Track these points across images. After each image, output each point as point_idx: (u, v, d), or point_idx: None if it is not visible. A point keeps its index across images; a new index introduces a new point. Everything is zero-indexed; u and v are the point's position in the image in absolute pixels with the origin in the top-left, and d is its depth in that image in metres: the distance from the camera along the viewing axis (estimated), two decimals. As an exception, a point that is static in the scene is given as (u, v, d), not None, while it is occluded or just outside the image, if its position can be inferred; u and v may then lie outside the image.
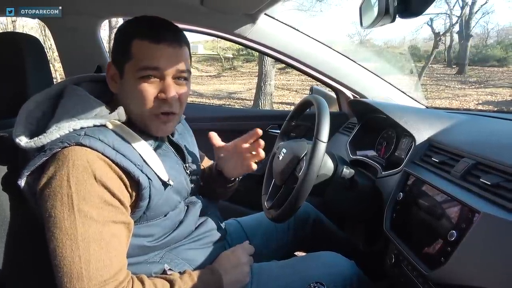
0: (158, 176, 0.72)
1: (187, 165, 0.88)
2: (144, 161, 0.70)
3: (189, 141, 0.94)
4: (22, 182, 0.66)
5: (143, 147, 0.71)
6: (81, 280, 0.59)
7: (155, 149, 0.77)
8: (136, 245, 0.74)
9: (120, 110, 0.72)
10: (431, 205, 0.79)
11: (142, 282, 0.68)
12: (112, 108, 0.74)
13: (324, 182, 0.97)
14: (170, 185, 0.74)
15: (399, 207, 0.90)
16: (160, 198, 0.73)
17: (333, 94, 1.67)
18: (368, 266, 0.99)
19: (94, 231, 0.61)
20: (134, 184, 0.68)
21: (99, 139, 0.65)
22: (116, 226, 0.65)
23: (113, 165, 0.65)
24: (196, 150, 0.97)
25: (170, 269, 0.78)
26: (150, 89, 0.71)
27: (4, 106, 0.78)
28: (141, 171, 0.68)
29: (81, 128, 0.66)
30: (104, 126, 0.69)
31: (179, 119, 0.83)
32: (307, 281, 0.84)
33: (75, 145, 0.63)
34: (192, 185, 0.89)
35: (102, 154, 0.64)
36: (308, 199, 0.87)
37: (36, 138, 0.65)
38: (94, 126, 0.67)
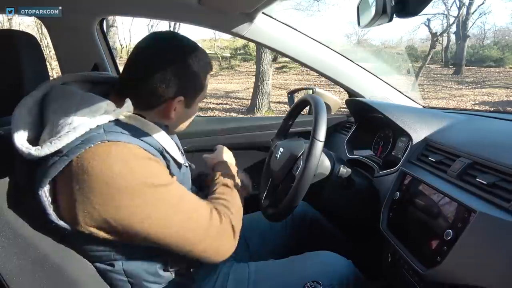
0: (175, 160, 0.75)
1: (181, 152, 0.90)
2: (163, 147, 0.72)
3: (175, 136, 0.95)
4: (43, 192, 0.62)
5: (160, 134, 0.72)
6: (216, 229, 0.73)
7: None
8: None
9: (128, 102, 0.71)
10: (427, 204, 0.79)
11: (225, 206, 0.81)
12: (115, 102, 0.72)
13: (321, 181, 0.97)
14: (186, 166, 0.80)
15: (396, 206, 0.90)
16: (178, 180, 0.75)
17: (333, 96, 1.65)
18: (364, 265, 0.99)
19: (176, 191, 0.70)
20: None
21: (121, 132, 0.65)
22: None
23: (144, 150, 0.66)
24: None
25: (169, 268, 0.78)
26: None
27: (0, 105, 0.77)
28: (163, 156, 0.71)
29: (97, 126, 0.64)
30: (117, 120, 0.68)
31: None
32: (304, 280, 0.85)
33: (100, 143, 0.62)
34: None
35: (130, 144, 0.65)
36: (305, 198, 0.87)
37: (49, 143, 0.61)
38: (109, 122, 0.66)
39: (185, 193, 0.72)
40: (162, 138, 0.72)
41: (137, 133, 0.68)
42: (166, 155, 0.72)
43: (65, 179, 0.61)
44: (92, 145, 0.61)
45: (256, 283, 0.87)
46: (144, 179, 0.63)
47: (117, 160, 0.62)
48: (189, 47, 0.76)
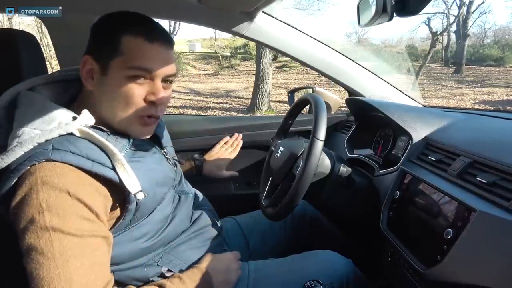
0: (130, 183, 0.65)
1: (164, 150, 0.87)
2: (117, 172, 0.63)
3: (161, 127, 0.91)
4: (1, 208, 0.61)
5: (115, 155, 0.64)
6: None
7: (132, 146, 0.73)
8: (133, 250, 0.72)
9: (85, 114, 0.66)
10: (427, 203, 0.79)
11: None
12: (78, 109, 0.68)
13: (321, 180, 0.97)
14: (137, 199, 0.66)
15: (396, 205, 0.90)
16: (146, 198, 0.69)
17: (334, 95, 1.65)
18: (364, 264, 0.99)
19: (73, 246, 0.56)
20: (118, 190, 0.65)
21: (70, 151, 0.60)
22: (97, 240, 0.60)
23: (89, 176, 0.61)
24: (168, 136, 0.94)
25: (169, 270, 0.77)
26: (138, 90, 0.69)
27: None
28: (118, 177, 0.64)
29: (46, 140, 0.60)
30: (71, 134, 0.63)
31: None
32: (304, 279, 0.85)
33: (44, 161, 0.58)
34: (176, 169, 0.89)
35: (77, 166, 0.59)
36: (305, 197, 0.87)
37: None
38: (60, 136, 0.62)
39: (83, 253, 0.57)
40: (117, 160, 0.64)
41: (91, 152, 0.62)
42: (120, 176, 0.64)
43: (15, 195, 0.58)
44: (36, 163, 0.58)
45: (256, 282, 0.87)
46: (48, 212, 0.56)
47: (39, 182, 0.57)
48: (113, 14, 0.72)
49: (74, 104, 0.73)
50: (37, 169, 0.58)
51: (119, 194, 0.66)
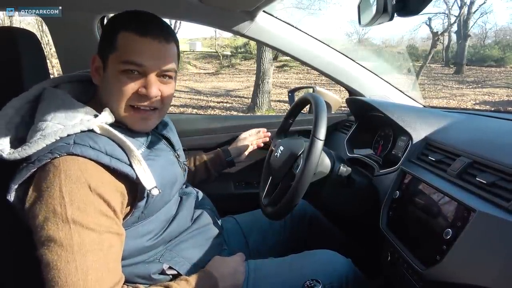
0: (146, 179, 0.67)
1: (177, 153, 0.89)
2: (133, 168, 0.66)
3: (173, 131, 0.94)
4: (11, 197, 0.62)
5: (132, 152, 0.67)
6: None
7: (149, 145, 0.76)
8: (137, 247, 0.73)
9: (106, 112, 0.70)
10: (427, 203, 0.79)
11: None
12: (95, 107, 0.71)
13: (321, 179, 0.97)
14: (152, 195, 0.68)
15: (396, 205, 0.90)
16: (156, 196, 0.71)
17: (334, 95, 1.64)
18: (364, 264, 0.99)
19: (91, 240, 0.58)
20: (132, 186, 0.67)
21: (90, 146, 0.62)
22: (113, 236, 0.62)
23: (108, 173, 0.63)
24: (179, 140, 0.96)
25: (170, 267, 0.78)
26: (130, 84, 0.70)
27: (0, 102, 0.77)
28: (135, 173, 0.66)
29: (68, 135, 0.63)
30: (92, 130, 0.66)
31: (162, 116, 0.81)
32: (304, 279, 0.85)
33: (66, 155, 0.60)
34: (184, 173, 0.91)
35: (96, 161, 0.62)
36: (305, 196, 0.87)
37: (20, 148, 0.61)
38: (82, 131, 0.64)
39: (101, 248, 0.59)
40: (134, 156, 0.66)
41: (110, 148, 0.64)
42: (136, 172, 0.66)
43: (30, 186, 0.60)
44: (58, 156, 0.60)
45: (256, 281, 0.87)
46: (70, 206, 0.58)
47: (63, 176, 0.59)
48: (119, 14, 0.74)
49: (90, 102, 0.74)
50: (60, 162, 0.60)
51: (133, 190, 0.68)
